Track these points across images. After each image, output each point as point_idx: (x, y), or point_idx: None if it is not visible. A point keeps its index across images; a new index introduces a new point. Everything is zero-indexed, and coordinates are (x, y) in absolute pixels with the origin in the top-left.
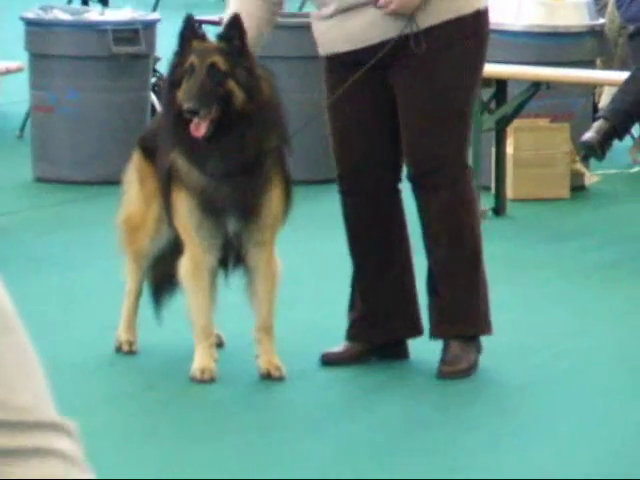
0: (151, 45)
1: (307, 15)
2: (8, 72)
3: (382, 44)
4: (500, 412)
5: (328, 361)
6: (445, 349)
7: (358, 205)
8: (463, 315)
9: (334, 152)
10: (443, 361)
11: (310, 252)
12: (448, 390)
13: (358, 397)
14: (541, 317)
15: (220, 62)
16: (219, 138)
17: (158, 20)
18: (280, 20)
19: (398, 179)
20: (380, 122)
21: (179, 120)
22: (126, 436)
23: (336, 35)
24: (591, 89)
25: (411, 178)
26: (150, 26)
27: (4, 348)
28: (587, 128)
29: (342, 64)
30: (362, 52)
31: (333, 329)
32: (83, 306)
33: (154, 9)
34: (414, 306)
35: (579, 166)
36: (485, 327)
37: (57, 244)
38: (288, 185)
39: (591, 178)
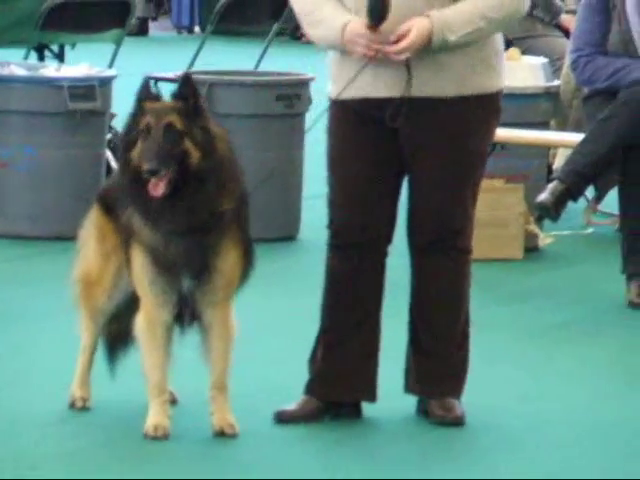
0: (107, 102)
1: (263, 73)
2: None
3: (394, 100)
4: (458, 470)
5: (282, 419)
6: (437, 402)
7: (346, 262)
8: (460, 375)
9: (332, 205)
10: (441, 409)
11: (265, 310)
12: (406, 448)
13: (315, 456)
14: (494, 377)
15: (176, 121)
16: (173, 197)
17: (114, 76)
18: (235, 78)
19: (390, 241)
20: (385, 182)
21: (134, 179)
22: None
23: (367, 79)
24: (546, 150)
25: (416, 244)
26: (106, 83)
27: None
28: (541, 189)
29: (355, 113)
30: (385, 104)
31: (287, 387)
32: (36, 361)
33: (110, 65)
34: (374, 372)
35: (533, 227)
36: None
37: (11, 299)
38: (247, 246)
39: (545, 239)
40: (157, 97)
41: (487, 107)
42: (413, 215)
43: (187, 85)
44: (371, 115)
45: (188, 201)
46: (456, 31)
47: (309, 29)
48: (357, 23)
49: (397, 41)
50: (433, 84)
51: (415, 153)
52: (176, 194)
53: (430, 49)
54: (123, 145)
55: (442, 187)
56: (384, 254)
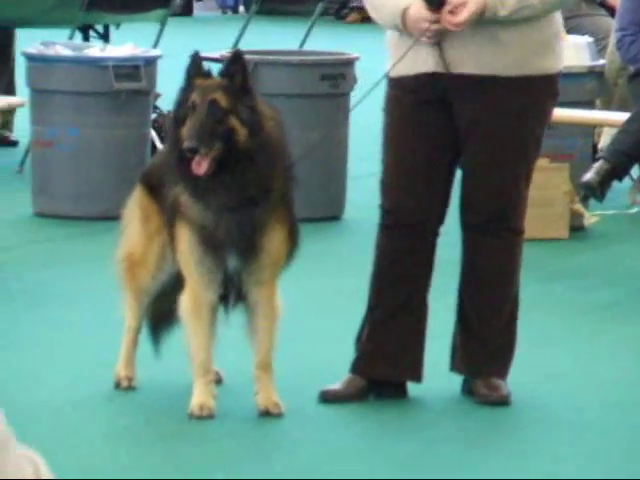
0: (152, 81)
1: (308, 53)
2: (10, 107)
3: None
4: (502, 450)
5: (327, 398)
6: (483, 381)
7: (397, 241)
8: (506, 356)
9: (385, 185)
10: (486, 388)
11: (310, 289)
12: (451, 428)
13: (359, 435)
14: (539, 356)
15: (221, 99)
16: (222, 174)
17: (159, 56)
18: (280, 58)
19: (442, 222)
20: (440, 162)
21: (183, 156)
22: (124, 472)
23: (422, 54)
24: (591, 129)
25: (468, 223)
26: (151, 62)
27: None
28: (587, 168)
29: (412, 92)
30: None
31: (332, 366)
32: (81, 341)
33: (155, 45)
34: (421, 352)
35: (578, 206)
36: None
37: (55, 279)
38: (293, 226)
39: (590, 219)
40: (207, 74)
41: (545, 88)
42: (466, 194)
43: (236, 62)
44: (426, 92)
45: (236, 179)
46: (508, 7)
47: (372, 12)
48: (417, 7)
49: (452, 12)
50: (492, 63)
51: (470, 132)
52: (224, 171)
53: (480, 21)
54: (172, 121)
55: (496, 166)
56: (435, 234)
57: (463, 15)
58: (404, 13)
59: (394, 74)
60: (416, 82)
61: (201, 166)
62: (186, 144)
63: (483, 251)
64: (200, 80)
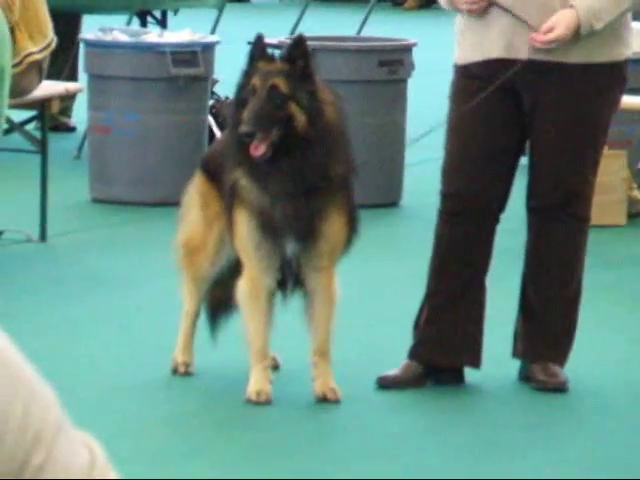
0: (209, 67)
1: (366, 39)
2: (68, 93)
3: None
4: (560, 436)
5: (384, 384)
6: (541, 367)
7: (458, 228)
8: (566, 342)
9: (446, 170)
10: (544, 374)
11: (367, 276)
12: (508, 414)
13: (417, 421)
14: (597, 343)
15: (281, 84)
16: (280, 160)
17: (217, 42)
18: (338, 44)
19: (503, 209)
20: (504, 148)
21: (242, 140)
22: (181, 457)
23: (491, 41)
24: None
25: (534, 207)
26: (209, 48)
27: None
28: None
29: (480, 79)
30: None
31: (389, 352)
32: (140, 326)
33: (213, 31)
34: (480, 337)
35: (636, 193)
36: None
37: (113, 265)
38: (352, 213)
39: None
40: (270, 57)
41: (614, 75)
42: (533, 179)
43: (298, 47)
44: (495, 79)
45: (294, 165)
46: (602, 17)
47: None
48: None
49: (545, 31)
50: (561, 50)
51: (538, 117)
52: (282, 157)
53: (578, 38)
54: (234, 105)
55: (563, 152)
56: (496, 221)
57: (550, 36)
58: None
59: (461, 61)
60: (484, 68)
61: (258, 150)
62: (242, 128)
63: (548, 236)
64: (262, 64)
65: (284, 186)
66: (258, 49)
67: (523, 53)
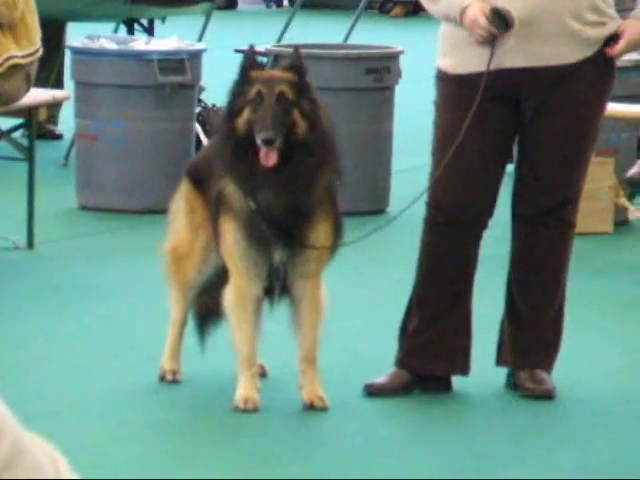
0: (197, 75)
1: (353, 47)
2: (55, 101)
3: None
4: (547, 444)
5: (372, 392)
6: (528, 374)
7: (446, 238)
8: (553, 349)
9: (436, 180)
10: (531, 381)
11: (353, 282)
12: (496, 421)
13: (404, 428)
14: (583, 350)
15: (287, 92)
16: (277, 168)
17: (204, 50)
18: (325, 51)
19: (492, 215)
20: (495, 157)
21: (238, 148)
22: (168, 464)
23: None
24: (636, 124)
25: (522, 214)
26: (196, 56)
27: None
28: (632, 163)
29: (473, 88)
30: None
31: (376, 359)
32: (126, 334)
33: (200, 39)
34: (469, 345)
35: (623, 200)
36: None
37: (101, 272)
38: (337, 219)
39: (635, 212)
40: (262, 66)
41: (604, 69)
42: (524, 186)
43: (298, 58)
44: (494, 89)
45: (291, 172)
46: None
47: (428, 3)
48: (477, 8)
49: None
50: (567, 53)
51: (539, 124)
52: (280, 165)
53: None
54: (227, 113)
55: (560, 158)
56: (484, 228)
57: (617, 49)
58: (464, 10)
59: (456, 71)
60: (482, 79)
61: (270, 158)
62: (263, 135)
63: (535, 242)
64: (257, 72)
65: (278, 195)
66: (250, 59)
67: (525, 61)
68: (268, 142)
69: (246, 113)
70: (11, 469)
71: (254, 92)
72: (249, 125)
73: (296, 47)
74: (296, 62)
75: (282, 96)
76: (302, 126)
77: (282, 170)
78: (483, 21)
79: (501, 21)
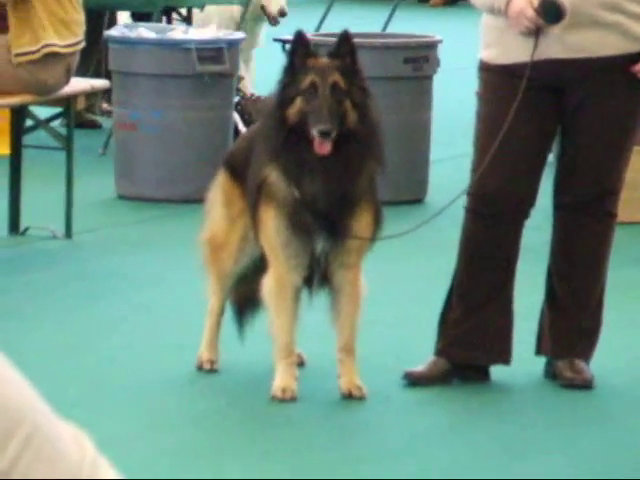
0: (235, 64)
1: (391, 36)
2: (93, 90)
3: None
4: (586, 434)
5: (410, 381)
6: (567, 364)
7: (490, 229)
8: (592, 337)
9: (478, 169)
10: (570, 370)
11: (392, 272)
12: (534, 410)
13: (443, 417)
14: (622, 340)
15: (340, 81)
16: (326, 157)
17: (242, 39)
18: (364, 40)
19: (534, 205)
20: (539, 147)
21: (288, 137)
22: (206, 454)
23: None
24: None
25: (565, 203)
26: (234, 45)
27: None
28: None
29: (517, 78)
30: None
31: (415, 349)
32: (164, 324)
33: (238, 28)
34: (510, 334)
35: None
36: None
37: (139, 261)
38: (378, 210)
39: None
40: (315, 54)
41: None
42: (568, 174)
43: (346, 43)
44: (539, 79)
45: (340, 162)
46: None
47: None
48: (523, 1)
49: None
50: (599, 45)
51: (584, 114)
52: (329, 155)
53: None
54: (278, 102)
55: (606, 147)
56: (526, 217)
57: None
58: (509, 2)
59: (499, 61)
60: (525, 69)
61: (325, 147)
62: (321, 127)
63: (578, 231)
64: (311, 60)
65: (323, 184)
66: (302, 45)
67: (575, 52)
68: (326, 134)
69: (298, 103)
70: (27, 457)
71: (307, 82)
72: (302, 116)
73: (345, 31)
74: (345, 47)
75: (335, 86)
76: (353, 116)
77: (330, 160)
78: (530, 12)
79: (552, 12)
